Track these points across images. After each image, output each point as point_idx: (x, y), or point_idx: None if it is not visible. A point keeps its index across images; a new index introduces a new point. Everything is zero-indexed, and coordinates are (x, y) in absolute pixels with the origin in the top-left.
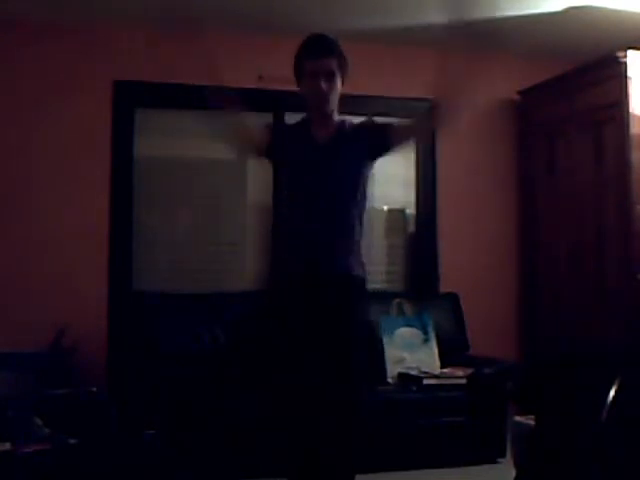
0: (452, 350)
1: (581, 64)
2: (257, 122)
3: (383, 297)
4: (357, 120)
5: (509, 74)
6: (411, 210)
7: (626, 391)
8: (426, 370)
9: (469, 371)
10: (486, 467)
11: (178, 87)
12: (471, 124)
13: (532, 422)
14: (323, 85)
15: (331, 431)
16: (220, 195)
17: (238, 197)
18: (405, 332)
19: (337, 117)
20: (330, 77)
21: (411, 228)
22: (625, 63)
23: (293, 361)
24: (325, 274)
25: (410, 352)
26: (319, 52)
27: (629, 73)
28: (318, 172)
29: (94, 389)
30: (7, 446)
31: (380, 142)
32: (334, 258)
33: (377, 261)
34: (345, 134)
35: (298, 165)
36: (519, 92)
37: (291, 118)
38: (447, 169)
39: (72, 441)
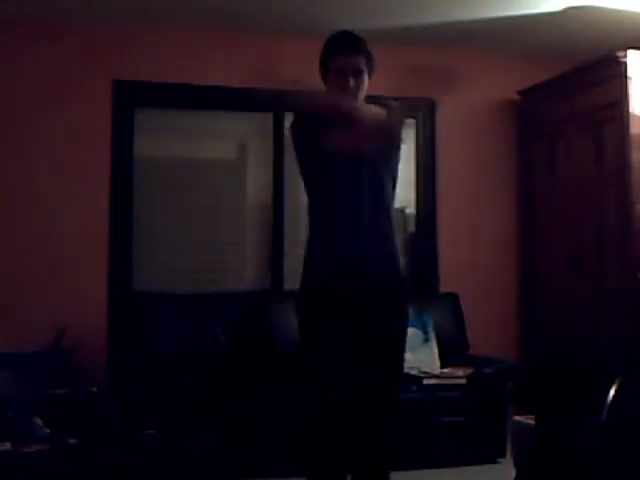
0: (452, 350)
1: (581, 64)
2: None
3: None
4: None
5: (509, 74)
6: (411, 210)
7: (626, 391)
8: (426, 370)
9: (469, 371)
10: (486, 467)
11: (178, 87)
12: (471, 124)
13: (532, 422)
14: (351, 82)
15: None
16: (220, 195)
17: (238, 197)
18: None
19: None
20: (358, 74)
21: (411, 228)
22: (625, 63)
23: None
24: (374, 270)
25: (410, 352)
26: (347, 49)
27: (629, 73)
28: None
29: (94, 389)
30: (7, 446)
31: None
32: (382, 252)
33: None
34: None
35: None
36: (519, 92)
37: (291, 118)
38: (447, 169)
39: (72, 441)
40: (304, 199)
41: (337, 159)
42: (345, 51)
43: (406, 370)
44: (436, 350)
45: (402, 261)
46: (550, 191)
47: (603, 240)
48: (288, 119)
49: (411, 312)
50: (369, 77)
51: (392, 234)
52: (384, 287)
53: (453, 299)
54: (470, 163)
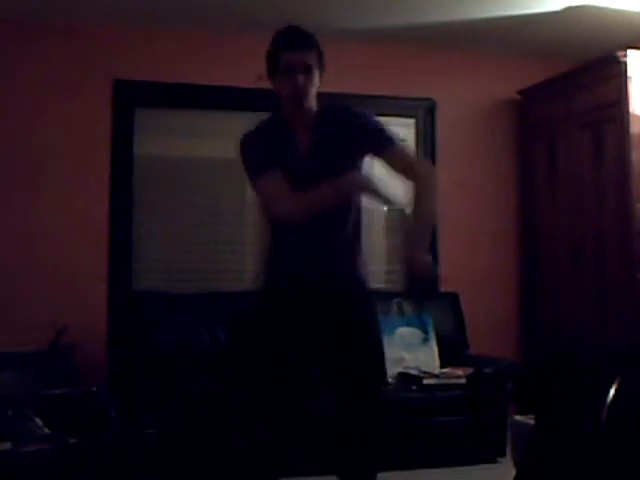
0: (452, 350)
1: (581, 64)
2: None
3: (383, 297)
4: (341, 109)
5: (509, 74)
6: (411, 210)
7: (626, 391)
8: (426, 370)
9: (469, 371)
10: (486, 467)
11: (178, 87)
12: (471, 124)
13: (532, 422)
14: (300, 79)
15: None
16: (220, 195)
17: (238, 197)
18: (405, 332)
19: (314, 112)
20: (307, 71)
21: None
22: (625, 63)
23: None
24: (326, 277)
25: (410, 352)
26: (296, 45)
27: (629, 73)
28: (305, 184)
29: (94, 389)
30: (7, 446)
31: (373, 149)
32: (334, 264)
33: (377, 261)
34: (327, 129)
35: (285, 169)
36: (519, 92)
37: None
38: (447, 169)
39: (72, 441)
40: None
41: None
42: (295, 47)
43: (406, 370)
44: (436, 350)
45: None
46: (550, 191)
47: (603, 240)
48: None
49: (409, 311)
50: (320, 74)
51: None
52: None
53: (453, 299)
54: (470, 163)
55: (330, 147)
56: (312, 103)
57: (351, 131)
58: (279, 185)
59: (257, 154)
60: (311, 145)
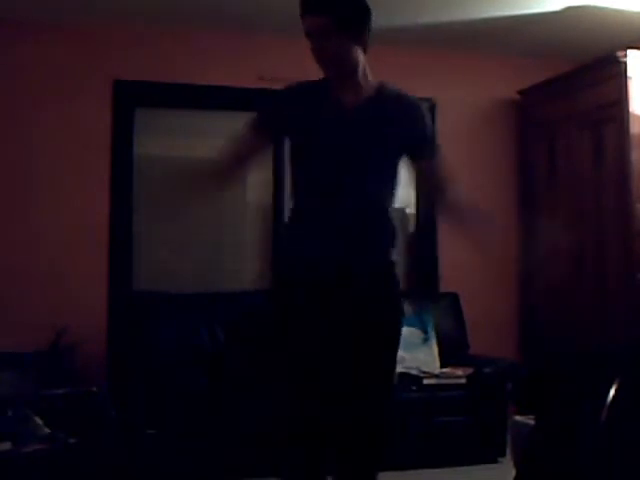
0: (452, 350)
1: (581, 64)
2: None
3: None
4: (406, 94)
5: (509, 74)
6: (411, 210)
7: (626, 391)
8: (426, 370)
9: (469, 371)
10: (486, 467)
11: (178, 87)
12: (471, 124)
13: (532, 422)
14: (316, 45)
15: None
16: (220, 195)
17: (238, 197)
18: (405, 332)
19: (370, 82)
20: (323, 37)
21: (411, 228)
22: (625, 63)
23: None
24: (359, 266)
25: (410, 352)
26: (308, 8)
27: (629, 73)
28: (346, 141)
29: (94, 389)
30: (7, 446)
31: (418, 154)
32: (368, 249)
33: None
34: (384, 103)
35: (318, 133)
36: (519, 92)
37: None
38: (447, 169)
39: (72, 441)
40: None
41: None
42: (307, 10)
43: (406, 370)
44: (436, 350)
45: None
46: (550, 191)
47: (603, 240)
48: None
49: (409, 311)
50: (359, 42)
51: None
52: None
53: (453, 299)
54: (470, 163)
55: (380, 123)
56: (347, 68)
57: (410, 123)
58: (233, 148)
59: (268, 107)
60: (358, 110)
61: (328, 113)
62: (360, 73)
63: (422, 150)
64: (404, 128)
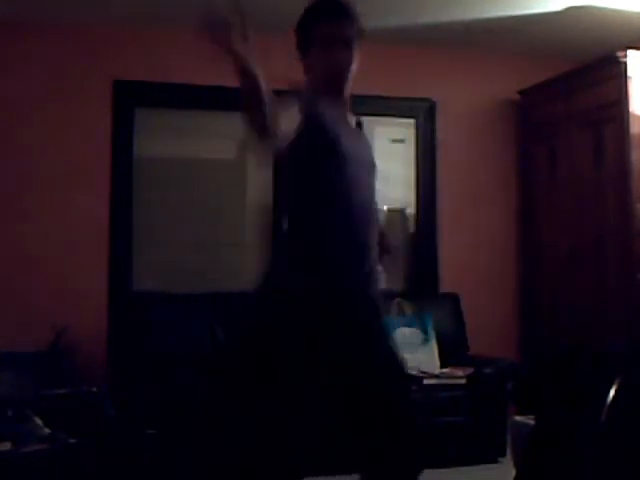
0: (452, 350)
1: (581, 64)
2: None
3: (383, 297)
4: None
5: (509, 74)
6: (411, 210)
7: (626, 391)
8: (426, 370)
9: (469, 371)
10: (486, 467)
11: (178, 87)
12: (471, 124)
13: (532, 422)
14: (340, 55)
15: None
16: (220, 195)
17: (238, 197)
18: (405, 332)
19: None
20: (348, 46)
21: (411, 228)
22: (625, 63)
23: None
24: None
25: (410, 352)
26: (336, 15)
27: (629, 73)
28: (360, 163)
29: (94, 389)
30: (7, 446)
31: None
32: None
33: (377, 261)
34: (364, 135)
35: (340, 143)
36: (519, 92)
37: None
38: (447, 169)
39: (72, 441)
40: None
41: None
42: (334, 17)
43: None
44: (436, 350)
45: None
46: (550, 191)
47: (603, 240)
48: None
49: (409, 312)
50: (357, 53)
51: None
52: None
53: (453, 299)
54: (470, 163)
55: (365, 154)
56: (349, 85)
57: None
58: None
59: (310, 99)
60: (355, 128)
61: (343, 125)
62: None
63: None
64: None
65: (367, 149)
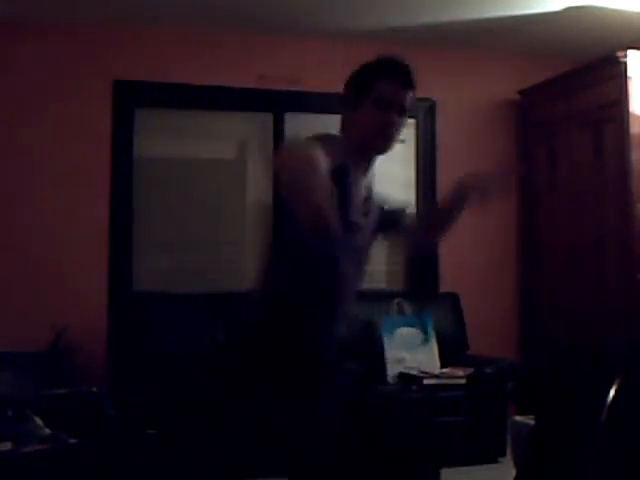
0: (452, 350)
1: (581, 64)
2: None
3: (383, 297)
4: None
5: (509, 74)
6: (411, 210)
7: (626, 391)
8: (426, 370)
9: (469, 371)
10: (486, 467)
11: (178, 87)
12: (471, 124)
13: (532, 422)
14: (395, 118)
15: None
16: (220, 195)
17: (238, 197)
18: (405, 332)
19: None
20: (403, 113)
21: None
22: (625, 63)
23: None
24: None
25: (410, 352)
26: (405, 80)
27: (629, 73)
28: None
29: (94, 389)
30: (7, 446)
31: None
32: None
33: (377, 261)
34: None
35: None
36: (519, 92)
37: (291, 118)
38: (447, 169)
39: (72, 441)
40: None
41: None
42: (402, 82)
43: (406, 370)
44: (436, 350)
45: None
46: (550, 191)
47: (603, 240)
48: (288, 119)
49: (409, 312)
50: None
51: None
52: None
53: (453, 299)
54: (470, 163)
55: (374, 216)
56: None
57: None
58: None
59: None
60: (365, 200)
61: (354, 196)
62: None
63: (393, 224)
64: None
65: (373, 216)
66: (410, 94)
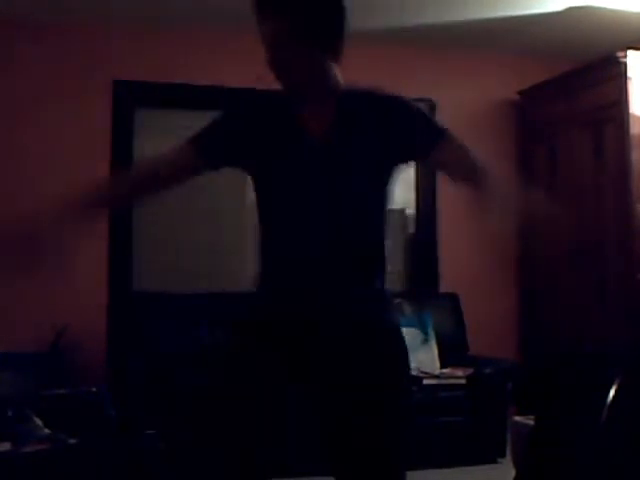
0: (452, 350)
1: (581, 64)
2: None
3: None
4: (378, 89)
5: (509, 74)
6: (411, 210)
7: (626, 391)
8: (426, 370)
9: (469, 371)
10: (486, 467)
11: (178, 87)
12: (471, 124)
13: (532, 422)
14: (271, 55)
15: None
16: (220, 195)
17: (238, 197)
18: (405, 332)
19: (334, 90)
20: (280, 49)
21: (411, 228)
22: (625, 63)
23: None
24: (332, 322)
25: (410, 352)
26: (262, 10)
27: (629, 73)
28: (318, 183)
29: (94, 389)
30: (7, 446)
31: (422, 150)
32: (345, 299)
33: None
34: (355, 115)
35: (283, 172)
36: (519, 92)
37: None
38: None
39: (72, 441)
40: None
41: None
42: (260, 13)
43: None
44: (436, 350)
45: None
46: (550, 191)
47: (603, 240)
48: None
49: (409, 311)
50: (327, 49)
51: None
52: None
53: (453, 299)
54: None
55: (354, 148)
56: (310, 79)
57: (391, 127)
58: (160, 158)
59: (212, 128)
60: (328, 134)
61: (291, 142)
62: (326, 87)
63: (422, 146)
64: (385, 138)
65: (350, 147)
66: (280, 20)
